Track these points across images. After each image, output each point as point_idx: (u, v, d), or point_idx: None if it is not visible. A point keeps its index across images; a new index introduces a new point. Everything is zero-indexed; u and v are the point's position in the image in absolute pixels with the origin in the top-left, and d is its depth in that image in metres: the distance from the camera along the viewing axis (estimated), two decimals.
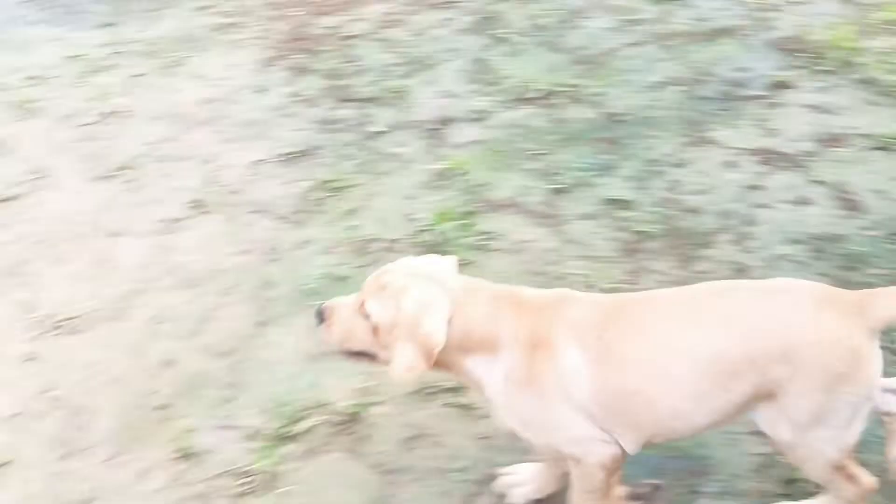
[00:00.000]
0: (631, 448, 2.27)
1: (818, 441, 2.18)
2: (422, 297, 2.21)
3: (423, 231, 4.20)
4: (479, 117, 5.10)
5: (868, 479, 2.30)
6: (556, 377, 2.20)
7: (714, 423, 2.25)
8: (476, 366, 2.29)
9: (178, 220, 4.50)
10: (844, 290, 2.24)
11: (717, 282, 2.46)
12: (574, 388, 2.19)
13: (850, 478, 2.28)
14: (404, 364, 2.20)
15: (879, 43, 5.38)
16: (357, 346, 2.34)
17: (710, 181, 4.39)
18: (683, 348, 2.15)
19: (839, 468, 2.25)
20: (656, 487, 2.68)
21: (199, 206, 4.58)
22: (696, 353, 2.14)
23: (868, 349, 2.09)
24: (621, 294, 2.57)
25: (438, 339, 2.18)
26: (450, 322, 2.21)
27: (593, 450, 2.26)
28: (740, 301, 2.20)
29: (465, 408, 3.17)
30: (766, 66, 5.28)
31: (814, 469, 2.29)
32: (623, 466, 2.36)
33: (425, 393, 3.25)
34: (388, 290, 2.24)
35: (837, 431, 2.16)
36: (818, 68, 5.17)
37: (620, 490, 2.44)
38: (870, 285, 2.48)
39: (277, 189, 4.65)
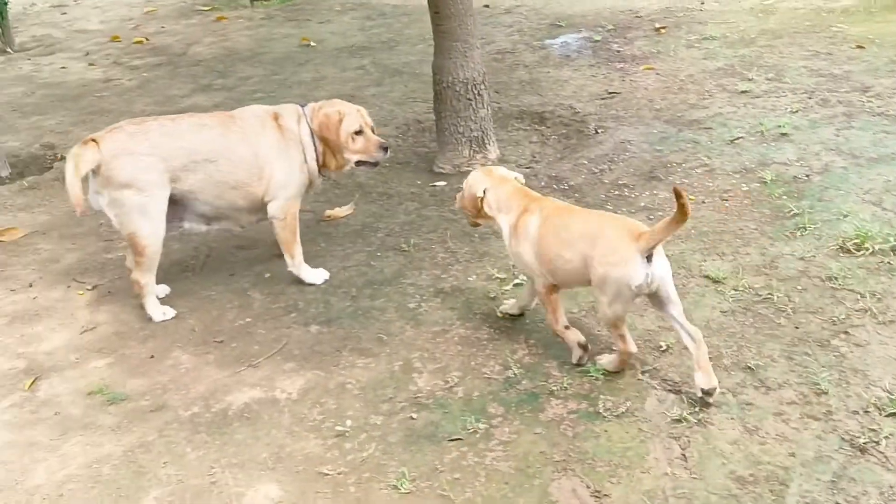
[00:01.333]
0: (556, 280, 3.69)
1: (601, 304, 3.49)
2: (473, 181, 3.99)
3: None
4: None
5: (631, 345, 3.53)
6: (526, 232, 3.73)
7: (574, 279, 3.63)
8: (501, 220, 3.86)
9: None
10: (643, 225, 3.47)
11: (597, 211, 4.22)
12: (530, 233, 3.71)
13: (621, 337, 3.52)
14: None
15: None
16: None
17: None
18: (571, 235, 3.57)
19: (615, 327, 3.50)
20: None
21: None
22: (574, 237, 3.55)
23: (633, 260, 3.32)
24: (567, 204, 4.14)
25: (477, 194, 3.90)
26: (486, 200, 3.87)
27: (539, 279, 3.74)
28: (601, 217, 3.71)
29: None
30: None
31: (602, 321, 3.68)
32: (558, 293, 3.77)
33: None
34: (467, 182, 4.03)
35: (609, 300, 3.41)
36: None
37: (562, 312, 3.78)
38: None
39: None
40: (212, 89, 8.09)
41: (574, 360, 3.66)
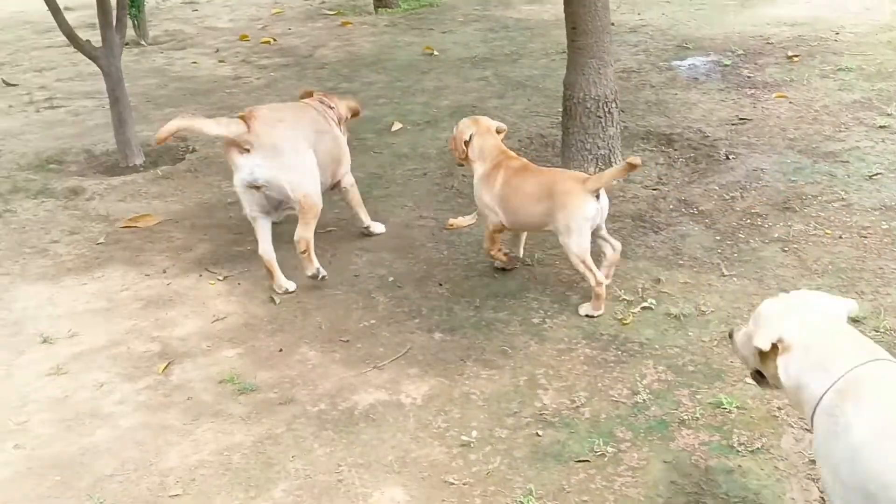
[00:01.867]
0: (507, 224, 4.49)
1: (568, 245, 4.20)
2: (463, 126, 4.69)
3: None
4: None
5: (599, 275, 4.20)
6: (493, 183, 4.46)
7: (535, 225, 4.42)
8: (476, 166, 4.58)
9: None
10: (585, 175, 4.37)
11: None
12: (495, 188, 4.45)
13: (590, 270, 4.18)
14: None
15: None
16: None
17: None
18: (527, 188, 4.36)
19: (583, 262, 4.19)
20: (516, 258, 4.79)
21: None
22: (529, 190, 4.34)
23: (584, 199, 4.14)
24: (527, 163, 4.62)
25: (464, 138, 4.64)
26: (471, 145, 4.58)
27: (492, 218, 4.50)
28: (552, 172, 4.60)
29: None
30: None
31: (573, 260, 4.23)
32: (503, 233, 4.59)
33: None
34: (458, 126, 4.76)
35: (574, 236, 4.16)
36: None
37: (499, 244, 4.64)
38: None
39: None
40: (337, 91, 8.23)
41: (496, 267, 4.71)
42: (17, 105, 8.16)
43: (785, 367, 2.50)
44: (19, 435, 3.54)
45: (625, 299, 4.32)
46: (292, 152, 4.55)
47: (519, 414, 3.54)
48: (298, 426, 3.54)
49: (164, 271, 4.90)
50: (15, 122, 7.69)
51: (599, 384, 3.68)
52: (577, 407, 3.55)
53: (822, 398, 2.34)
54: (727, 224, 5.02)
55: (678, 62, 8.16)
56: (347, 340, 4.16)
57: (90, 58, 6.41)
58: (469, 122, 4.67)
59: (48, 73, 9.32)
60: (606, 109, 5.66)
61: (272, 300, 4.56)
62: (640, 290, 4.35)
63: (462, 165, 5.08)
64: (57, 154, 6.78)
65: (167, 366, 4.00)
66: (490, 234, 4.58)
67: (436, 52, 9.36)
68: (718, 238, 4.90)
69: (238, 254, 5.08)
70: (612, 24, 9.70)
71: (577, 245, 4.16)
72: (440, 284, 4.66)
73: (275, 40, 10.42)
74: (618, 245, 4.37)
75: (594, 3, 5.48)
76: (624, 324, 4.12)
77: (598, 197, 4.17)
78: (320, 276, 4.65)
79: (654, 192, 5.55)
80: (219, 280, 4.79)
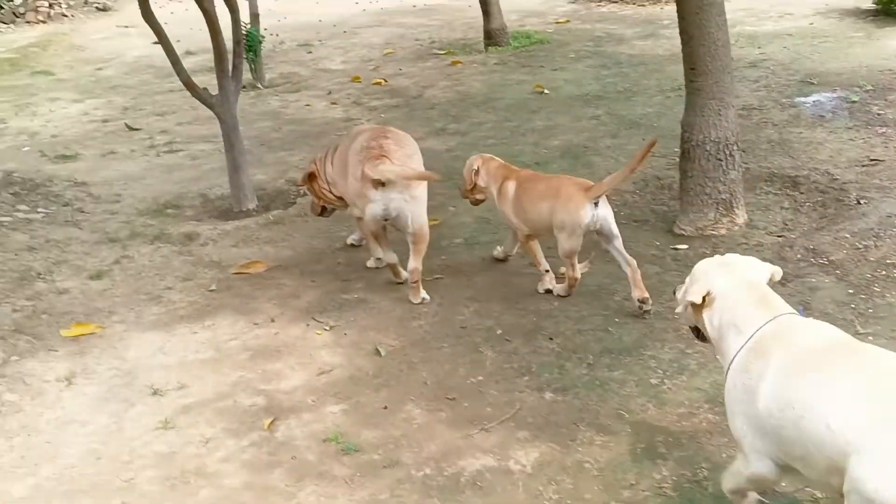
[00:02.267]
0: (528, 229, 4.94)
1: (560, 241, 4.70)
2: (469, 163, 5.26)
3: None
4: None
5: (577, 272, 4.78)
6: (507, 194, 4.97)
7: (544, 224, 4.82)
8: (491, 188, 5.12)
9: None
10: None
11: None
12: (509, 197, 4.96)
13: (571, 265, 4.73)
14: None
15: None
16: None
17: None
18: (537, 189, 4.86)
19: (569, 258, 4.72)
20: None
21: None
22: (538, 191, 4.87)
23: (582, 205, 4.59)
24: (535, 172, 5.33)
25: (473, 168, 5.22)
26: (479, 174, 5.15)
27: (519, 228, 4.99)
28: (559, 178, 5.05)
29: None
30: None
31: (562, 254, 4.74)
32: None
33: None
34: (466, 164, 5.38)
35: (567, 237, 4.66)
36: None
37: (541, 255, 5.07)
38: None
39: None
40: (446, 133, 8.20)
41: (540, 290, 4.98)
42: (139, 149, 8.43)
43: (710, 320, 2.93)
44: (126, 493, 3.53)
45: None
46: (419, 185, 4.91)
47: (636, 486, 3.32)
48: (402, 492, 3.41)
49: (273, 320, 4.88)
50: (137, 165, 7.93)
51: (724, 455, 3.42)
52: (700, 480, 3.30)
53: (734, 357, 2.79)
54: (860, 276, 4.68)
55: (802, 98, 7.77)
56: (454, 398, 4.02)
57: (206, 105, 6.54)
58: (475, 157, 5.26)
59: (169, 117, 9.61)
60: (727, 152, 5.39)
61: (378, 352, 4.47)
62: None
63: (476, 204, 5.42)
64: (174, 199, 6.94)
65: (272, 422, 3.94)
66: (526, 248, 5.04)
67: (546, 91, 9.22)
68: (851, 291, 4.57)
69: (345, 302, 5.03)
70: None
71: (568, 244, 4.69)
72: (550, 339, 4.48)
73: (385, 81, 10.50)
74: (632, 261, 4.68)
75: (714, 42, 5.25)
76: None
77: (596, 204, 4.61)
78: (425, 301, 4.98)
79: (780, 238, 5.24)
80: (325, 330, 4.74)
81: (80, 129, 9.32)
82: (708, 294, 2.91)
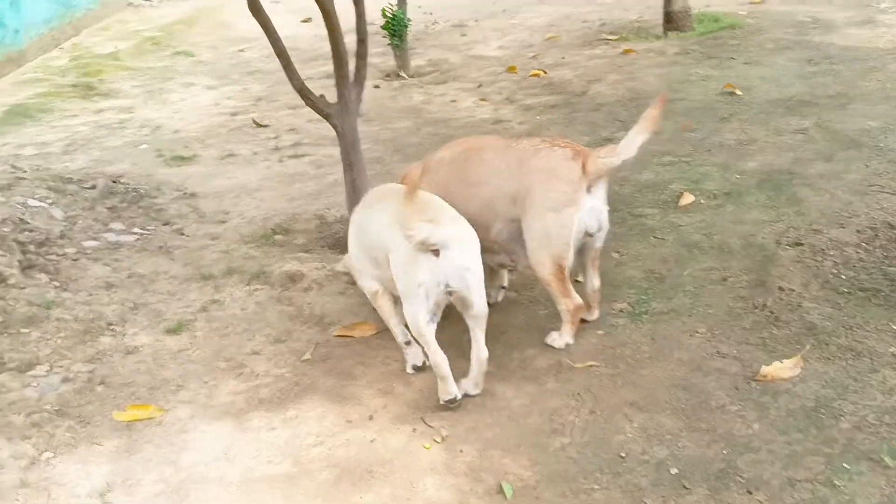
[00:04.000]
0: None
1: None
2: None
3: None
4: None
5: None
6: None
7: None
8: None
9: None
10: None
11: None
12: None
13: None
14: None
15: None
16: None
17: None
18: None
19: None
20: None
21: None
22: None
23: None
24: None
25: None
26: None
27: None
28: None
29: None
30: None
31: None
32: None
33: None
34: None
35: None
36: None
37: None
38: None
39: None
40: (612, 142, 6.80)
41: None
42: (261, 152, 7.51)
43: None
44: None
45: None
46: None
47: None
48: None
49: (371, 417, 3.75)
50: (255, 173, 7.00)
51: None
52: None
53: None
54: None
55: None
56: None
57: (322, 116, 5.46)
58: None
59: (301, 112, 8.61)
60: None
61: (501, 490, 3.26)
62: None
63: None
64: (286, 220, 5.92)
65: None
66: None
67: (738, 91, 7.64)
68: None
69: (468, 399, 3.84)
70: None
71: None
72: (749, 492, 3.13)
73: (545, 73, 9.16)
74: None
75: None
76: None
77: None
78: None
79: None
80: (435, 441, 3.56)
81: (206, 122, 8.52)
82: None
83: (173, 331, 4.54)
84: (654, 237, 5.18)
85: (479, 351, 3.80)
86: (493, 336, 4.27)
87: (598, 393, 3.79)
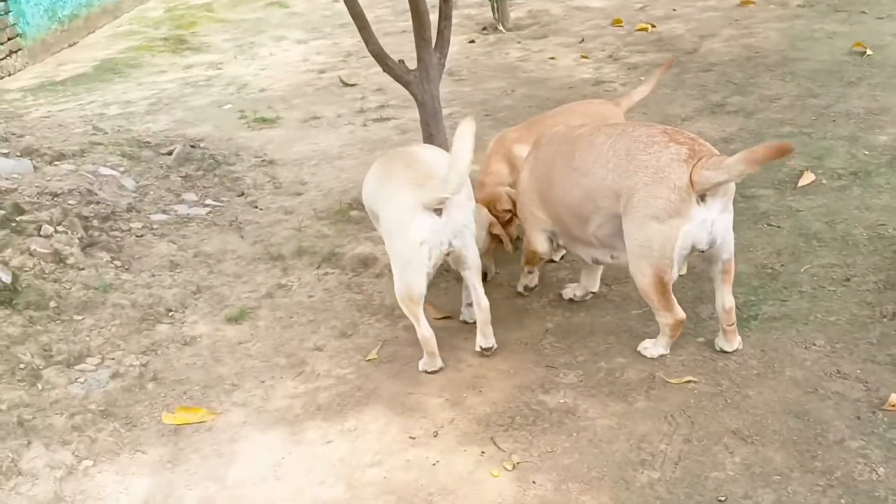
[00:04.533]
0: None
1: None
2: None
3: None
4: None
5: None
6: None
7: None
8: None
9: None
10: None
11: None
12: None
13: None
14: None
15: None
16: None
17: None
18: None
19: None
20: None
21: None
22: None
23: None
24: None
25: None
26: None
27: None
28: None
29: None
30: None
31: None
32: None
33: None
34: None
35: None
36: None
37: None
38: None
39: None
40: (724, 111, 6.17)
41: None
42: (345, 114, 7.16)
43: None
44: None
45: None
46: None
47: None
48: None
49: (436, 434, 3.38)
50: (338, 138, 6.65)
51: None
52: None
53: None
54: None
55: None
56: None
57: (401, 83, 5.05)
58: None
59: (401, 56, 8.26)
60: None
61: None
62: None
63: None
64: None
65: None
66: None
67: (869, 51, 6.84)
68: None
69: (543, 410, 3.41)
70: None
71: None
72: None
73: (653, 26, 8.47)
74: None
75: None
76: None
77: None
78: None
79: None
80: (506, 469, 3.16)
81: (293, 80, 8.22)
82: None
83: (234, 319, 4.26)
84: (768, 224, 4.59)
85: (479, 299, 3.75)
86: (580, 339, 3.84)
87: (696, 416, 3.30)
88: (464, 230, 3.62)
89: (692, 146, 3.37)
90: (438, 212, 3.52)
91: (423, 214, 3.51)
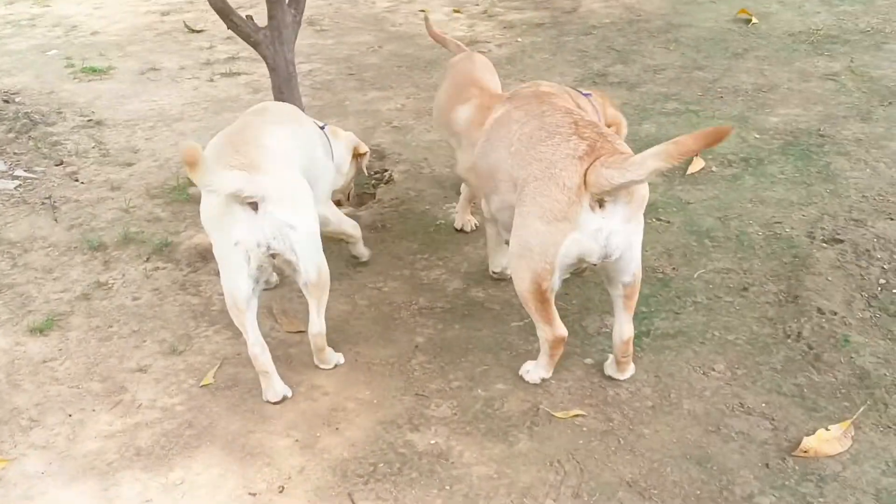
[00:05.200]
0: None
1: None
2: None
3: None
4: None
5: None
6: None
7: None
8: None
9: None
10: None
11: None
12: None
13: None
14: None
15: None
16: None
17: None
18: None
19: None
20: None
21: None
22: None
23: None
24: None
25: None
26: None
27: None
28: None
29: None
30: None
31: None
32: None
33: None
34: None
35: None
36: None
37: None
38: None
39: None
40: (606, 81, 5.73)
41: None
42: (189, 66, 6.33)
43: None
44: None
45: None
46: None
47: None
48: None
49: (281, 489, 2.79)
50: (179, 95, 5.84)
51: None
52: None
53: None
54: None
55: None
56: None
57: (250, 44, 4.35)
58: None
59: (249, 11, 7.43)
60: None
61: None
62: None
63: None
64: None
65: None
66: None
67: (755, 20, 6.53)
68: None
69: (413, 455, 2.88)
70: None
71: None
72: None
73: None
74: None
75: None
76: None
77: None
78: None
79: None
80: None
81: (131, 22, 7.27)
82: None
83: (39, 330, 3.52)
84: (658, 219, 4.18)
85: (311, 325, 3.19)
86: (454, 358, 3.34)
87: (585, 462, 2.85)
88: (288, 232, 2.98)
89: (594, 142, 2.86)
90: (255, 206, 2.92)
91: (237, 209, 2.91)
